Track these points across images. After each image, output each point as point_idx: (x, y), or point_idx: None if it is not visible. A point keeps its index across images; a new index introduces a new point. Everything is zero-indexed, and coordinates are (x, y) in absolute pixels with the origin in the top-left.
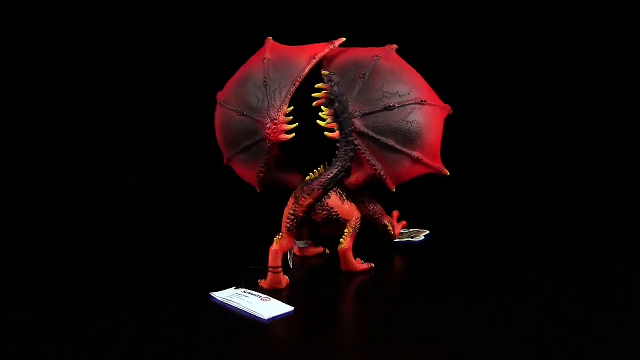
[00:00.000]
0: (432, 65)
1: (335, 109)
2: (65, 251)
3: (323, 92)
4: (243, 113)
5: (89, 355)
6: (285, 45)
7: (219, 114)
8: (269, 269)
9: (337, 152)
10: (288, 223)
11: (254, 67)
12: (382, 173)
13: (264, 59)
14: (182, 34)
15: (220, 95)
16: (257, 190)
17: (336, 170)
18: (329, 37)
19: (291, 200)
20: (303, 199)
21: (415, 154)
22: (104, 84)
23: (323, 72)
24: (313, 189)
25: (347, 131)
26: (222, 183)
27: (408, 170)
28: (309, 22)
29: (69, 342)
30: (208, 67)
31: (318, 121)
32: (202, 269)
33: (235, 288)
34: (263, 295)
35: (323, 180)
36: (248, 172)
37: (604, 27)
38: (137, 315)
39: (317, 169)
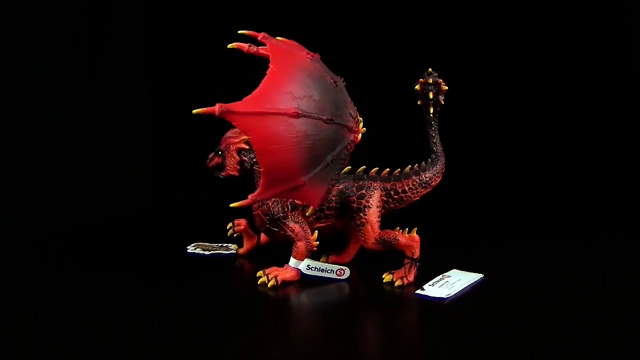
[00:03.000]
0: (431, 64)
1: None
2: (65, 251)
3: (445, 86)
4: (332, 120)
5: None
6: None
7: (298, 127)
8: (418, 260)
9: (437, 141)
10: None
11: (309, 67)
12: None
13: (312, 57)
14: (182, 34)
15: (285, 103)
16: (312, 210)
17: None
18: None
19: (378, 197)
20: (438, 179)
21: None
22: (104, 84)
23: (430, 70)
24: (443, 170)
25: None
26: (221, 182)
27: None
28: (308, 21)
29: (70, 343)
30: (208, 68)
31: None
32: (204, 269)
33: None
34: (444, 275)
35: (444, 161)
36: (317, 193)
37: (604, 26)
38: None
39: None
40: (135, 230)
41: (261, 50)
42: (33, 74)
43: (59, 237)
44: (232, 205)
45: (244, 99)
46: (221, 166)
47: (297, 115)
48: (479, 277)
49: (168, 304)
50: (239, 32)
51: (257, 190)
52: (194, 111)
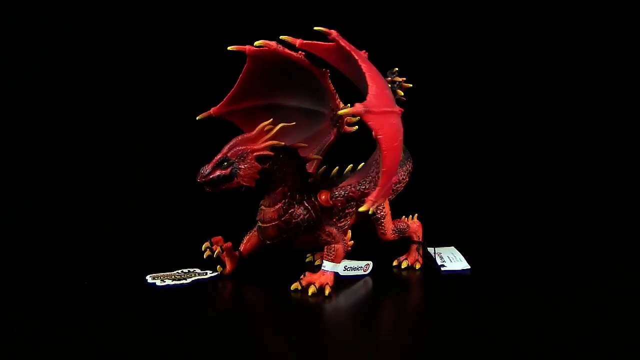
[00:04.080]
0: (432, 62)
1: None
2: (65, 251)
3: (407, 84)
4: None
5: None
6: None
7: (400, 125)
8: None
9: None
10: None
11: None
12: None
13: (367, 56)
14: (182, 34)
15: (391, 101)
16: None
17: None
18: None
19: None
20: (411, 168)
21: None
22: (104, 84)
23: (396, 69)
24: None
25: None
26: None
27: None
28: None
29: (69, 343)
30: (207, 69)
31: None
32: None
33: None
34: (438, 253)
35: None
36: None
37: (602, 23)
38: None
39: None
40: (135, 230)
41: (286, 50)
42: (33, 74)
43: (59, 237)
44: (360, 209)
45: (368, 98)
46: (227, 178)
47: (400, 113)
48: (453, 248)
49: (169, 305)
50: (314, 28)
51: (376, 192)
52: (340, 112)
